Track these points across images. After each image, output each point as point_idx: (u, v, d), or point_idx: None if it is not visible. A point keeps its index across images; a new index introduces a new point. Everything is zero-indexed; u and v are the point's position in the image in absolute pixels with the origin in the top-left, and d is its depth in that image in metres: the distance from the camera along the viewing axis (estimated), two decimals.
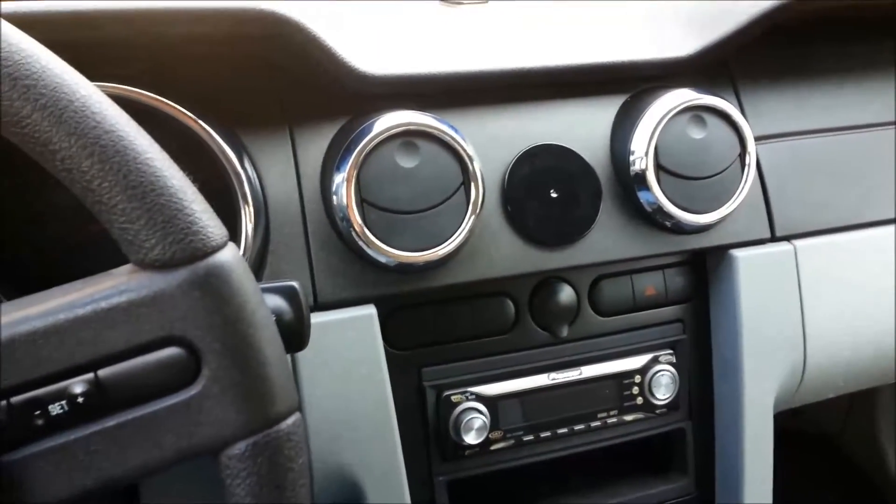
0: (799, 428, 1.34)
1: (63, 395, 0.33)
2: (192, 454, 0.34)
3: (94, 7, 0.51)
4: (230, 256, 0.34)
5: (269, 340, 0.35)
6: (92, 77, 0.53)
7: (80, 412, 0.34)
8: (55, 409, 0.33)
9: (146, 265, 0.33)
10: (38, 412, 0.33)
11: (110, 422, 0.34)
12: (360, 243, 0.59)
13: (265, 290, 0.45)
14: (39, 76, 0.31)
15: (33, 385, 0.33)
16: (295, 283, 0.45)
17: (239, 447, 0.33)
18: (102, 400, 0.34)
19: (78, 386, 0.33)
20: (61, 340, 0.33)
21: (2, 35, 0.31)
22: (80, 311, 0.33)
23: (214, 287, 0.33)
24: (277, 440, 0.34)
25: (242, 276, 0.34)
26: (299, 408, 0.36)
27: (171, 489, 0.58)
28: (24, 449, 0.34)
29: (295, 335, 0.44)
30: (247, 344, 0.34)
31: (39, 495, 0.34)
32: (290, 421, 0.35)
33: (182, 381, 0.34)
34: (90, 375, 0.33)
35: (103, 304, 0.33)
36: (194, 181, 0.61)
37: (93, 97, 0.32)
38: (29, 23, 0.50)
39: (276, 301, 0.45)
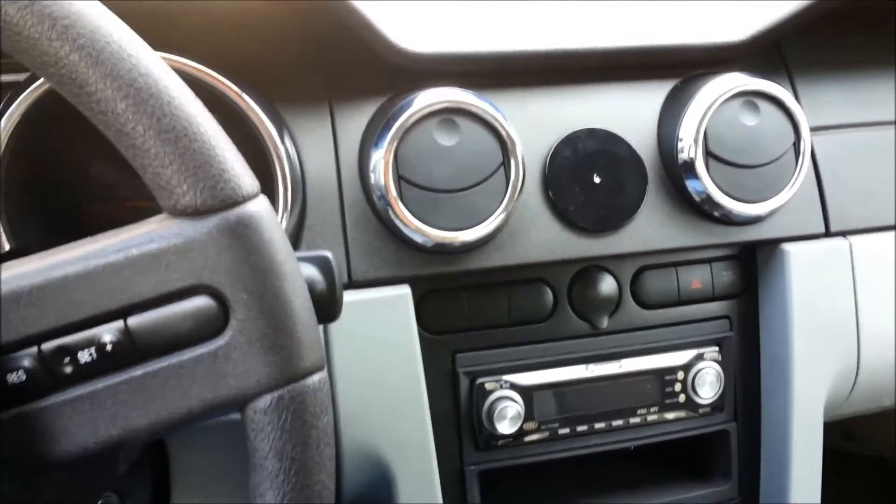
0: (852, 450, 1.28)
1: (92, 342, 0.33)
2: (219, 407, 0.33)
3: None
4: (261, 207, 0.34)
5: (298, 294, 0.34)
6: None
7: (108, 360, 0.33)
8: (84, 356, 0.33)
9: (177, 212, 0.33)
10: (67, 359, 0.33)
11: (138, 371, 0.33)
12: (397, 221, 0.58)
13: (297, 259, 0.44)
14: (78, 17, 0.31)
15: (63, 332, 0.33)
16: (327, 253, 0.44)
17: (264, 400, 0.33)
18: (131, 348, 0.33)
19: (107, 334, 0.33)
20: (92, 286, 0.33)
21: None
22: (112, 258, 0.33)
23: (244, 236, 0.33)
24: (303, 395, 0.33)
25: (273, 227, 0.34)
26: (326, 367, 0.35)
27: (200, 461, 0.58)
28: (52, 397, 0.34)
29: (327, 305, 0.43)
30: (274, 295, 0.33)
31: (66, 445, 0.34)
32: (316, 378, 0.34)
33: (210, 332, 0.33)
34: (119, 323, 0.33)
35: (134, 251, 0.33)
36: None
37: (129, 39, 0.32)
38: None
39: (308, 270, 0.44)
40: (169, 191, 0.32)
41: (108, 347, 0.33)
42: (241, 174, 0.33)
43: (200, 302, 0.33)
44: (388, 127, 0.58)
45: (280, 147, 0.58)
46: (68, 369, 0.33)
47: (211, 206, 0.32)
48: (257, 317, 0.32)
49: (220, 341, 0.33)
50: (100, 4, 0.33)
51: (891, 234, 0.72)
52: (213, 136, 0.33)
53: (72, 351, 0.33)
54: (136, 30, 0.56)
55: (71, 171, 0.62)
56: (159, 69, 0.32)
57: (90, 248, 0.33)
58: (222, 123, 0.60)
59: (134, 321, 0.33)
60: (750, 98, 0.65)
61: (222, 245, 0.32)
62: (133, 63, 0.31)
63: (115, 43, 0.31)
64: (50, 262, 0.33)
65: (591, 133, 0.65)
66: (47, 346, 0.33)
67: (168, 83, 0.32)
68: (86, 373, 0.33)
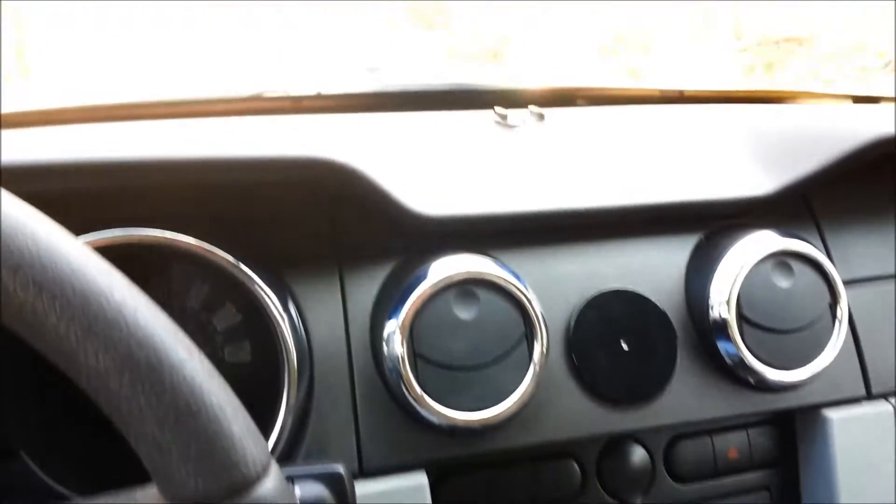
0: None
1: None
2: None
3: (140, 157, 0.49)
4: (272, 488, 0.29)
5: None
6: (125, 217, 0.50)
7: None
8: None
9: (175, 498, 0.28)
10: None
11: None
12: (412, 401, 0.53)
13: (305, 477, 0.39)
14: (68, 282, 0.27)
15: None
16: (340, 468, 0.39)
17: None
18: None
19: None
20: None
21: (28, 234, 0.27)
22: None
23: None
24: None
25: None
26: None
27: None
28: None
29: None
30: None
31: None
32: None
33: None
34: None
35: None
36: (235, 323, 0.58)
37: (127, 302, 0.28)
38: (70, 169, 0.48)
39: (316, 490, 0.39)
40: (167, 478, 0.27)
41: None
42: (249, 451, 0.28)
43: None
44: (402, 300, 0.54)
45: (283, 318, 0.54)
46: None
47: (215, 495, 0.27)
48: None
49: None
50: (96, 257, 0.29)
51: None
52: (219, 408, 0.28)
53: None
54: (123, 201, 0.52)
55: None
56: (161, 333, 0.28)
57: None
58: (224, 292, 0.56)
59: None
60: (783, 258, 0.61)
61: None
62: (131, 331, 0.27)
63: (112, 309, 0.27)
64: None
65: (617, 295, 0.61)
66: None
67: (170, 349, 0.28)
68: None
